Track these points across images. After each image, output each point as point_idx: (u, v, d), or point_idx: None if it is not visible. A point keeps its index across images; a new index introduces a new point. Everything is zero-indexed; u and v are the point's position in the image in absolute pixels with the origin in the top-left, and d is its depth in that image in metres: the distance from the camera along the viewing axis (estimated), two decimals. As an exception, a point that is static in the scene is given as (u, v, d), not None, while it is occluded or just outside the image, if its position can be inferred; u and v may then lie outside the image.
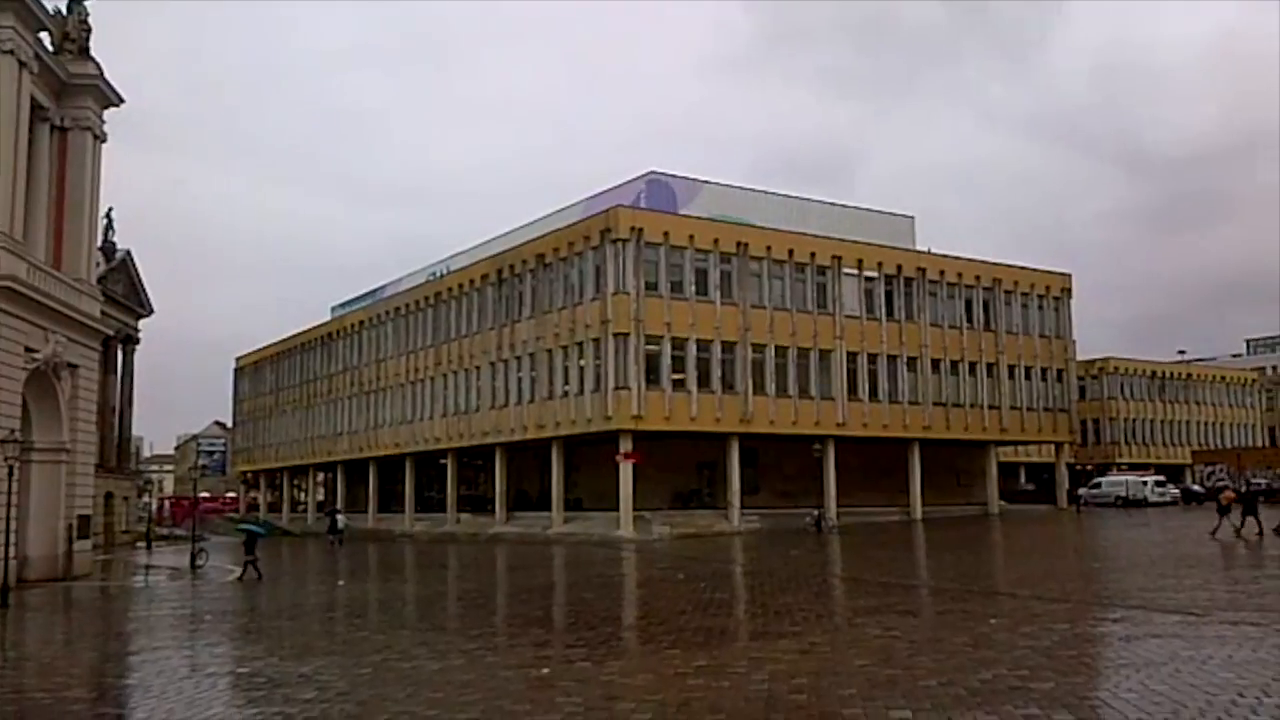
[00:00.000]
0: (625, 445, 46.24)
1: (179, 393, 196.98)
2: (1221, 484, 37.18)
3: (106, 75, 35.07)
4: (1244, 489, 34.11)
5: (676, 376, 47.17)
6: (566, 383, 49.24)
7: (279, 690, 11.33)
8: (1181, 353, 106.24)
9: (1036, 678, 10.67)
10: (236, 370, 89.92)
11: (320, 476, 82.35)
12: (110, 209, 59.26)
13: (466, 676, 12.00)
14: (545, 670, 12.23)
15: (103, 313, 38.76)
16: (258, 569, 30.41)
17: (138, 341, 64.91)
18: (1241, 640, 12.51)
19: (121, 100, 36.08)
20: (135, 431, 71.22)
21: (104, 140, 36.20)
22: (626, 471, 46.09)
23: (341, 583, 29.45)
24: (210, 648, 16.35)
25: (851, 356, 52.48)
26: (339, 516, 56.76)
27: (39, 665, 15.31)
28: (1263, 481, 48.91)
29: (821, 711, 9.36)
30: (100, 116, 35.67)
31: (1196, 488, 73.10)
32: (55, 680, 13.27)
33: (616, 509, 46.14)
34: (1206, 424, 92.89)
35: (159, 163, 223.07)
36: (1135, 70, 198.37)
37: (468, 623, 19.01)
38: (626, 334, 45.82)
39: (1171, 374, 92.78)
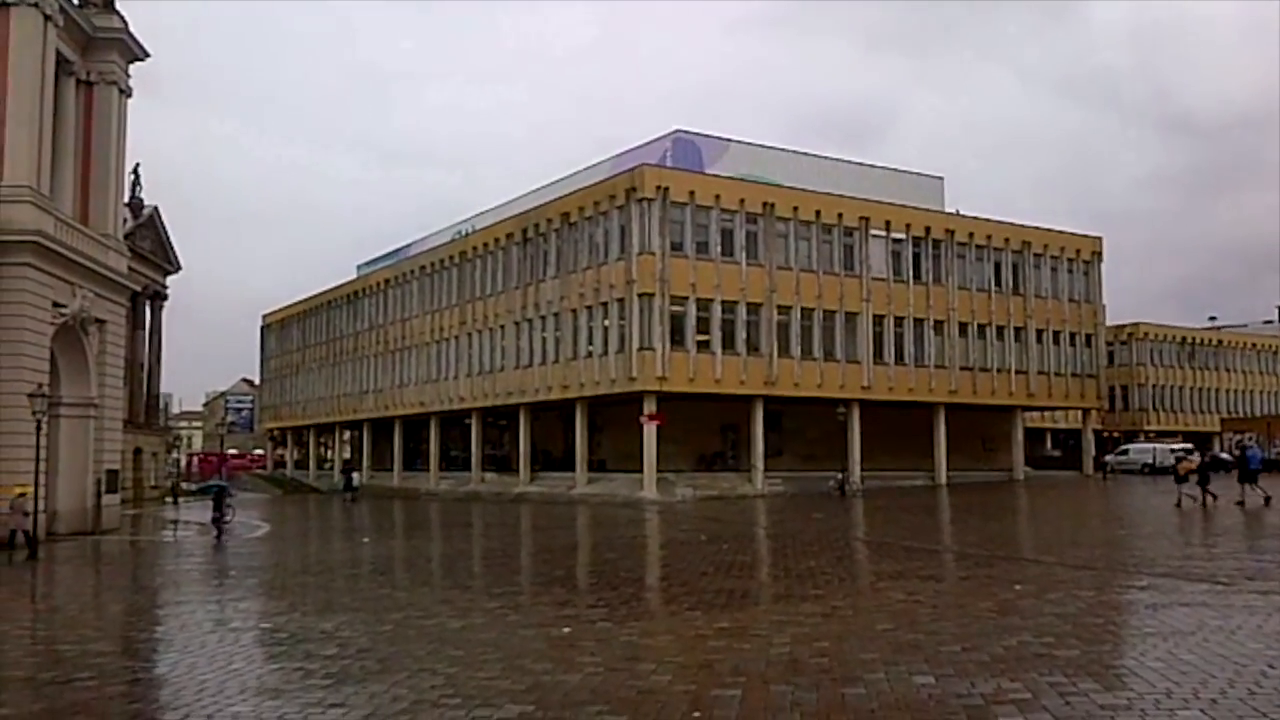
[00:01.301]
0: (649, 407, 46.19)
1: (207, 349, 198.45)
2: (1179, 455, 37.15)
3: (131, 29, 34.96)
4: (1205, 459, 34.07)
5: (701, 338, 46.99)
6: (591, 343, 49.16)
7: (301, 646, 11.36)
8: (1212, 319, 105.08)
9: (1062, 645, 10.54)
10: (263, 328, 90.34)
11: (346, 434, 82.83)
12: (137, 165, 59.49)
13: (488, 635, 11.99)
14: (566, 630, 12.21)
15: (130, 269, 38.94)
16: (220, 526, 30.46)
17: (166, 298, 65.28)
18: (1271, 610, 12.33)
19: (147, 54, 36.00)
20: (164, 388, 71.69)
21: (129, 95, 36.16)
22: (650, 433, 46.07)
23: (366, 540, 29.61)
24: (234, 603, 16.44)
25: (878, 319, 52.11)
26: (354, 475, 58.05)
27: (66, 618, 15.45)
28: (1226, 455, 48.60)
29: (844, 675, 9.27)
30: (126, 71, 35.61)
31: (1225, 456, 72.48)
32: (81, 633, 13.37)
33: (640, 470, 46.18)
34: (1236, 391, 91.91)
35: (186, 119, 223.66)
36: (1175, 32, 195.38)
37: (490, 581, 19.06)
38: (651, 294, 45.63)
39: (1202, 340, 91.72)
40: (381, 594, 16.58)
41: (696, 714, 7.93)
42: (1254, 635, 10.76)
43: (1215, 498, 31.53)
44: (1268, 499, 31.04)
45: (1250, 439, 54.51)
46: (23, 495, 25.19)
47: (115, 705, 9.07)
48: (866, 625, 12.45)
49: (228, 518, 36.49)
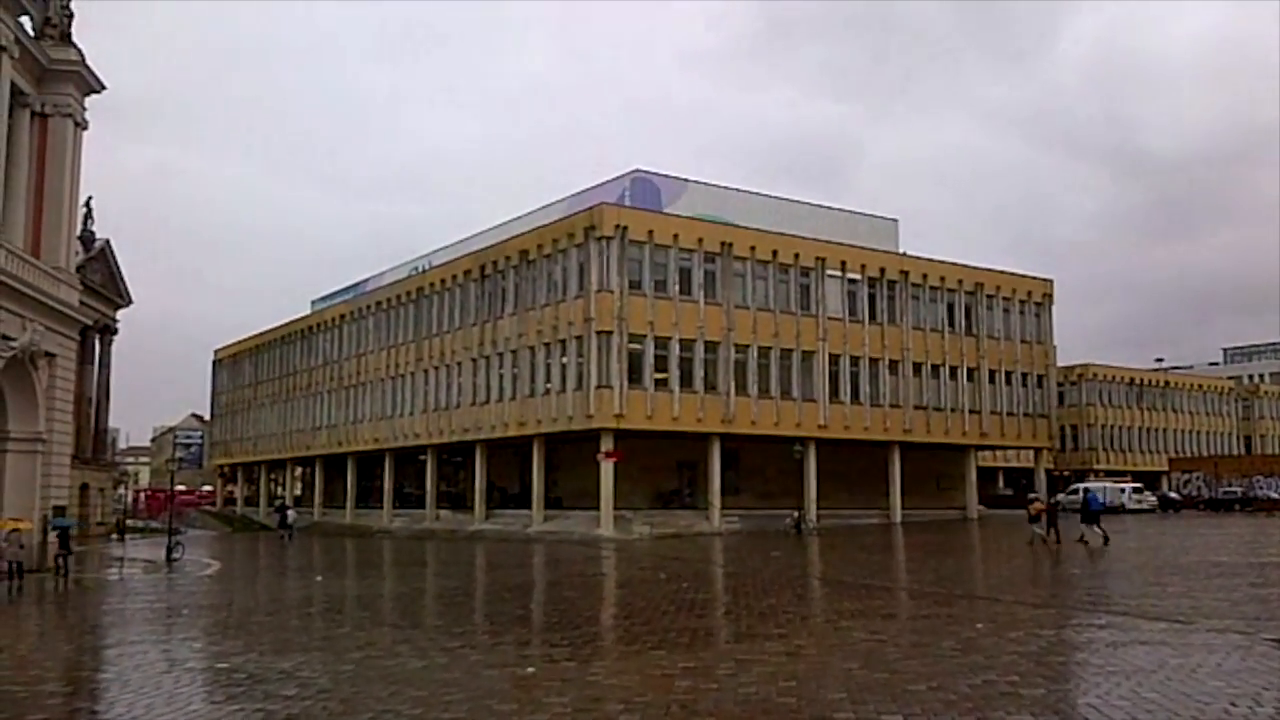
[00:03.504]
0: (606, 444, 46.10)
1: (155, 384, 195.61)
2: (1032, 496, 39.20)
3: (88, 61, 34.68)
4: (1051, 501, 37.45)
5: (659, 376, 47.08)
6: (548, 380, 49.06)
7: (260, 686, 11.15)
8: (1159, 360, 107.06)
9: (1027, 684, 10.60)
10: (215, 362, 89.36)
11: (298, 471, 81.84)
12: (90, 197, 58.75)
13: (450, 675, 11.84)
14: (530, 670, 12.09)
15: (81, 302, 38.36)
16: (65, 564, 29.53)
17: (115, 332, 64.40)
18: (1229, 649, 12.48)
19: (103, 87, 35.73)
20: (111, 423, 70.57)
21: (85, 127, 35.82)
22: (608, 470, 45.96)
23: (319, 578, 29.21)
24: (188, 642, 16.12)
25: (834, 358, 52.52)
26: (289, 511, 57.96)
27: (13, 658, 15.04)
28: (1060, 498, 51.27)
29: (812, 715, 9.26)
30: (81, 103, 35.30)
31: (1174, 495, 73.58)
32: (30, 674, 13.04)
33: (597, 508, 46.01)
34: (1184, 432, 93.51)
35: (140, 151, 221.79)
36: (1132, 72, 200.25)
37: (449, 621, 18.84)
38: (610, 332, 45.69)
39: (1150, 381, 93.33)
40: (339, 633, 16.33)
41: (668, 754, 7.86)
42: (1214, 674, 10.87)
43: (1059, 536, 33.91)
44: (1106, 539, 33.00)
45: (1096, 486, 56.18)
46: (15, 530, 25.60)
47: (70, 748, 8.85)
48: (831, 664, 12.44)
49: (177, 554, 35.98)
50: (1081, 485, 73.29)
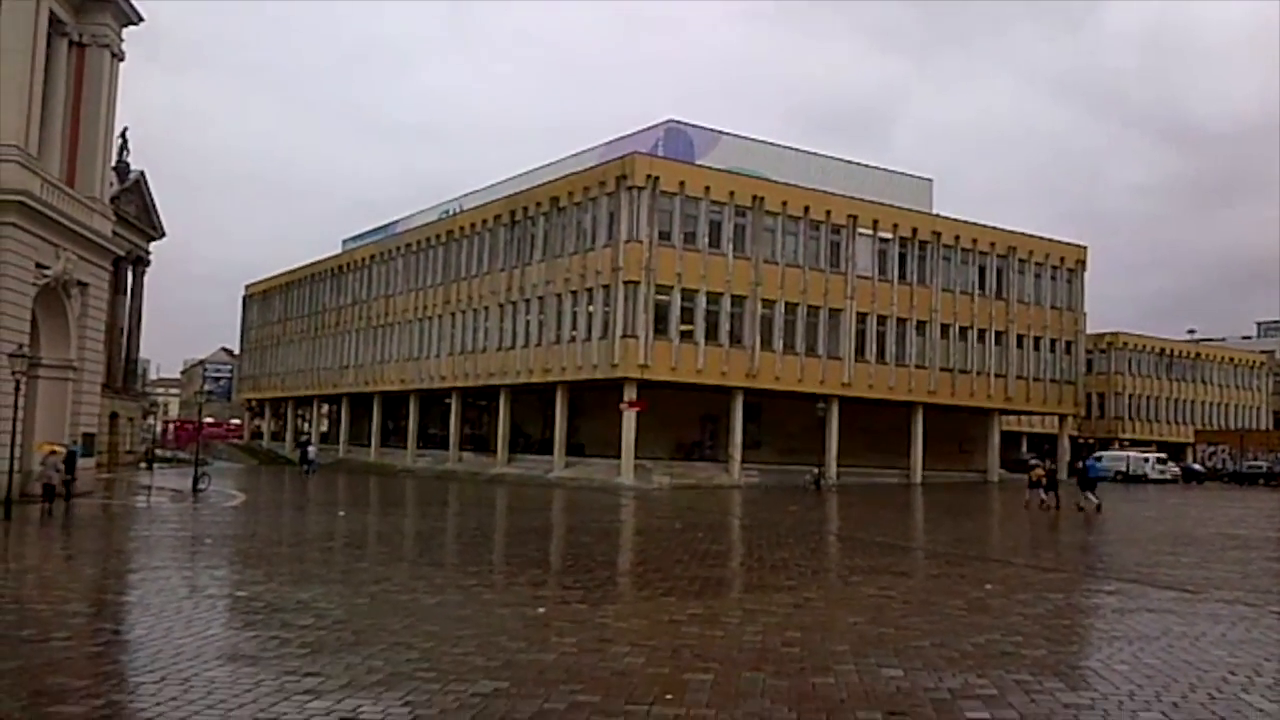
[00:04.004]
0: (630, 393, 46.32)
1: (187, 317, 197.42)
2: (1033, 462, 39.26)
3: (126, -8, 34.67)
4: (1050, 469, 38.12)
5: (685, 328, 47.15)
6: (574, 328, 49.23)
7: (277, 615, 11.42)
8: (1191, 331, 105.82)
9: (1029, 644, 10.72)
10: (245, 298, 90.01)
11: (325, 408, 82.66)
12: (125, 129, 58.85)
13: (463, 612, 12.08)
14: (541, 610, 12.31)
15: (114, 233, 38.67)
16: (68, 489, 29.43)
17: (148, 263, 64.81)
18: (1236, 619, 12.53)
19: (141, 18, 35.73)
20: (142, 354, 71.28)
21: (122, 59, 35.86)
22: (630, 420, 46.21)
23: (342, 513, 29.65)
24: (209, 570, 16.47)
25: (861, 317, 52.39)
26: (310, 448, 58.61)
27: (39, 578, 15.44)
28: (1049, 462, 51.74)
29: (813, 665, 9.40)
30: (119, 34, 35.30)
31: (1198, 466, 73.27)
32: (55, 594, 13.40)
33: (618, 456, 46.34)
34: (1212, 404, 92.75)
35: (177, 84, 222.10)
36: (1183, 41, 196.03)
37: (466, 560, 19.14)
38: (637, 282, 45.73)
39: (1180, 352, 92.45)
40: (358, 567, 16.64)
41: (669, 696, 8.04)
42: (1218, 643, 10.94)
43: (1059, 500, 34.68)
44: (1099, 506, 33.60)
45: (1099, 454, 55.71)
46: (54, 453, 26.87)
47: (91, 665, 9.12)
48: (837, 618, 12.60)
49: (203, 485, 36.55)
50: (1098, 454, 73.18)
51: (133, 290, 62.96)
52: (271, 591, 13.25)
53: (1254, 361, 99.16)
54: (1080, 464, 37.32)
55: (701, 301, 47.57)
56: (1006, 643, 10.75)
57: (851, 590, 15.40)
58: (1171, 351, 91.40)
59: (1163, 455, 71.92)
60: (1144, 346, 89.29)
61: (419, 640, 10.12)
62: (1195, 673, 9.35)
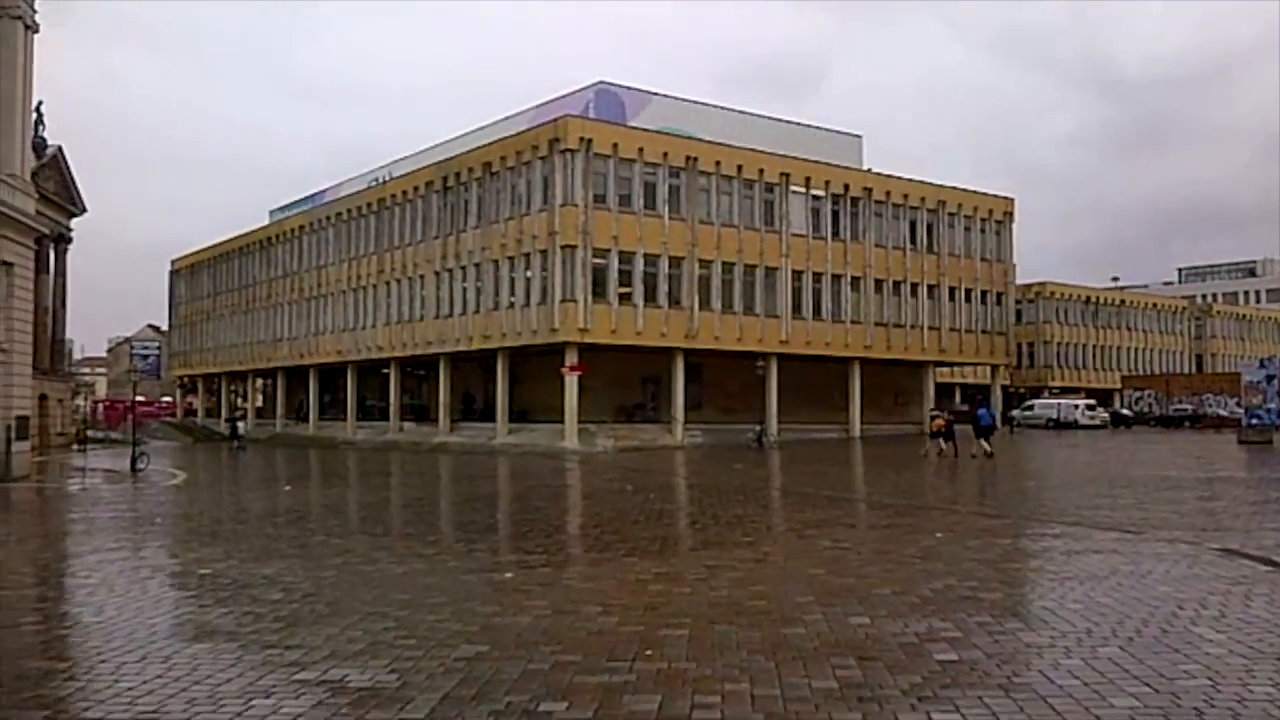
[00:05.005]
0: (571, 358, 46.43)
1: (110, 295, 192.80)
2: (934, 413, 40.79)
3: (40, -38, 33.65)
4: (949, 418, 39.16)
5: (623, 290, 47.28)
6: (513, 294, 49.13)
7: (245, 591, 11.42)
8: (1115, 279, 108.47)
9: (985, 588, 11.10)
10: (172, 273, 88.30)
11: (260, 383, 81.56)
12: (40, 103, 57.13)
13: (430, 580, 12.18)
14: (509, 575, 12.46)
15: (36, 211, 37.70)
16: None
17: (70, 241, 63.27)
18: (1178, 557, 13.06)
19: (56, -12, 34.70)
20: (67, 334, 69.66)
21: (35, 30, 34.85)
22: (571, 384, 46.35)
23: (288, 488, 29.46)
24: (166, 549, 16.38)
25: (796, 275, 52.92)
26: (239, 423, 58.41)
27: (-8, 564, 15.22)
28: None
29: (783, 616, 9.67)
30: (31, 5, 34.29)
31: (1125, 412, 75.33)
32: (13, 579, 13.22)
33: (561, 421, 46.49)
34: (1137, 350, 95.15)
35: (91, 53, 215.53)
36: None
37: (423, 529, 19.21)
38: (574, 246, 45.72)
39: (1105, 300, 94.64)
40: (315, 541, 16.63)
41: (649, 652, 8.24)
42: (1163, 579, 11.42)
43: (957, 449, 36.54)
44: (990, 454, 35.22)
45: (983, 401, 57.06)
46: None
47: (68, 648, 9.11)
48: (798, 570, 12.90)
49: (141, 465, 36.02)
50: (1029, 401, 74.85)
51: (56, 268, 61.49)
52: (234, 568, 13.21)
53: (1176, 307, 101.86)
54: (975, 414, 38.64)
55: (639, 264, 47.70)
56: (963, 587, 11.12)
57: (807, 543, 15.74)
58: (1097, 300, 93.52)
59: (1092, 402, 73.78)
60: (1070, 295, 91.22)
61: (392, 609, 10.21)
62: (1145, 609, 9.77)
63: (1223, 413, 67.45)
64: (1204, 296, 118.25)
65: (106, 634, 9.29)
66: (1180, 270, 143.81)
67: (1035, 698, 6.87)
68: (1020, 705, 6.71)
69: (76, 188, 62.74)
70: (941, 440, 36.80)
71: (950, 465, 33.21)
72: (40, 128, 56.79)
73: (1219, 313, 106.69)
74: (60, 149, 60.18)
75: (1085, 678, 7.32)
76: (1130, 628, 8.97)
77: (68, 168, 61.44)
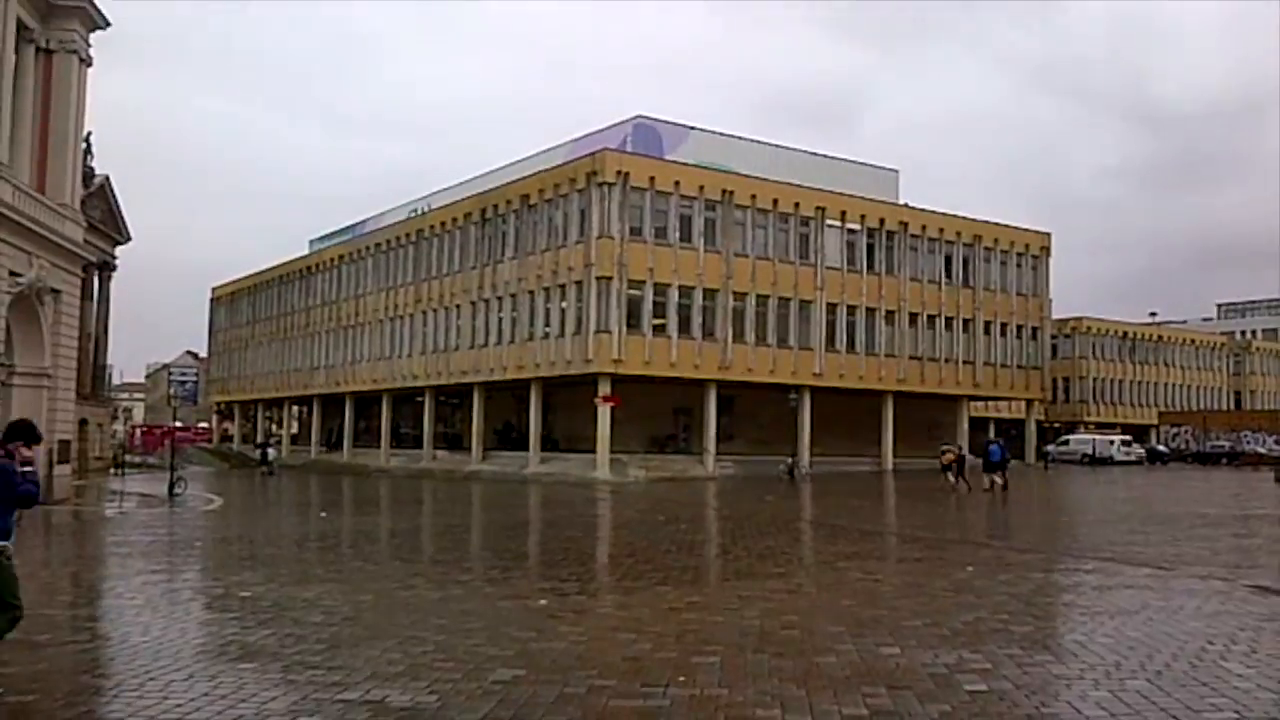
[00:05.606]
0: (604, 388, 46.69)
1: (149, 322, 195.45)
2: (945, 447, 40.49)
3: (94, -3, 34.57)
4: (960, 453, 40.00)
5: (657, 322, 47.56)
6: (547, 324, 49.52)
7: (286, 614, 11.66)
8: (1153, 314, 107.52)
9: (1016, 621, 11.16)
10: (213, 300, 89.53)
11: (295, 410, 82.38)
12: (90, 133, 58.44)
13: (467, 606, 12.39)
14: (543, 602, 12.63)
15: (84, 239, 38.50)
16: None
17: (115, 268, 64.44)
18: (1210, 593, 13.06)
19: (108, 23, 35.63)
20: (108, 359, 70.76)
21: (89, 64, 35.74)
22: (604, 414, 46.57)
23: (324, 514, 29.81)
24: (206, 572, 16.69)
25: (831, 308, 53.01)
26: (270, 450, 59.06)
27: (40, 584, 15.53)
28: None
29: (814, 646, 9.80)
30: (86, 40, 35.17)
31: (1162, 448, 74.63)
32: (60, 599, 13.56)
33: (593, 451, 46.67)
34: (1174, 385, 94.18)
35: (138, 82, 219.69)
36: (1148, 23, 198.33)
37: (458, 556, 19.44)
38: (609, 278, 46.07)
39: (1142, 335, 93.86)
40: (353, 566, 16.89)
41: (682, 678, 8.40)
42: (1194, 615, 11.45)
43: (969, 484, 36.75)
44: (1006, 485, 35.87)
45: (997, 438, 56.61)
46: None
47: (117, 665, 9.36)
48: (830, 601, 13.02)
49: (179, 489, 36.54)
50: (1064, 437, 74.30)
51: (100, 295, 62.60)
52: (274, 591, 13.48)
53: (1214, 343, 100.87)
54: (986, 448, 38.73)
55: (674, 295, 47.99)
56: (994, 620, 11.20)
57: (839, 575, 15.83)
58: (1134, 335, 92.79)
59: (1127, 437, 73.18)
60: (1107, 331, 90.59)
61: (430, 634, 10.41)
62: (1175, 644, 9.82)
63: (1260, 450, 66.81)
64: (1243, 333, 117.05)
65: (153, 653, 9.55)
66: (1219, 306, 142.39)
67: (1063, 728, 6.98)
68: (1047, 735, 6.82)
69: (122, 216, 63.98)
70: (952, 474, 37.27)
71: (959, 498, 33.76)
72: (89, 157, 58.03)
73: (1258, 349, 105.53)
74: (107, 178, 61.42)
75: (1112, 709, 7.41)
76: (1159, 662, 9.03)
77: (114, 196, 62.69)
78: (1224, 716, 7.24)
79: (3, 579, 8.29)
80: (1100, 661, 9.06)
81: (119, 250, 64.97)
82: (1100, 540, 20.80)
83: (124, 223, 64.28)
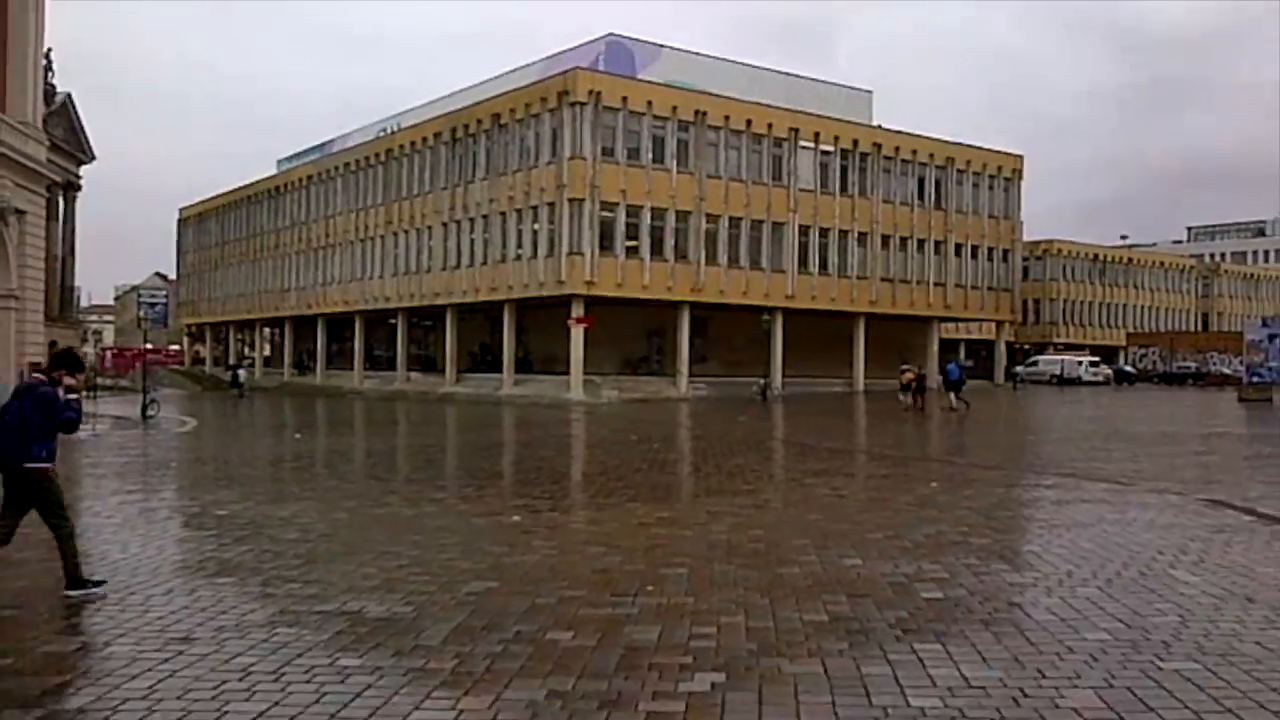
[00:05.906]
0: (577, 310, 46.76)
1: (116, 243, 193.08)
2: (904, 367, 41.01)
3: (50, -92, 33.65)
4: (920, 373, 40.21)
5: (630, 244, 47.53)
6: (520, 246, 49.40)
7: (263, 531, 11.85)
8: (1124, 237, 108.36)
9: (975, 534, 11.51)
10: (180, 221, 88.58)
11: (267, 332, 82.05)
12: (50, 49, 57.19)
13: (441, 522, 12.63)
14: (516, 518, 12.88)
15: (46, 158, 37.95)
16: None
17: (79, 188, 63.55)
18: (1163, 507, 13.47)
19: (67, -64, 34.75)
20: (76, 281, 70.09)
21: (47, -23, 34.93)
22: (577, 336, 46.73)
23: (298, 435, 29.96)
24: (182, 492, 16.85)
25: (804, 230, 53.08)
26: (240, 371, 59.14)
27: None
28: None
29: (779, 558, 10.09)
30: (43, -48, 34.36)
31: (1129, 369, 75.67)
32: (36, 518, 13.65)
33: (567, 372, 46.92)
34: (1143, 307, 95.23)
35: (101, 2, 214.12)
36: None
37: (432, 475, 19.66)
38: (582, 199, 45.90)
39: (1112, 258, 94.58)
40: (328, 485, 17.10)
41: (650, 588, 8.67)
42: (1147, 527, 11.84)
43: (924, 403, 37.91)
44: (967, 404, 36.51)
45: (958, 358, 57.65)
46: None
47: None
48: (796, 516, 13.34)
49: (152, 412, 36.54)
50: (1033, 358, 75.12)
51: (65, 216, 61.84)
52: (250, 510, 13.66)
53: (1183, 265, 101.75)
54: (944, 369, 39.42)
55: (646, 217, 47.90)
56: (954, 533, 11.54)
57: (806, 491, 16.17)
58: (1104, 257, 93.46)
59: (1095, 358, 74.13)
60: (1077, 253, 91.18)
61: (405, 549, 10.63)
62: (1127, 554, 10.18)
63: (1226, 371, 67.85)
64: (1212, 255, 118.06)
65: (132, 569, 9.74)
66: (1189, 229, 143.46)
67: (1013, 631, 7.29)
68: (998, 637, 7.13)
69: (85, 135, 62.92)
70: (910, 394, 37.88)
71: (919, 417, 34.61)
72: (49, 74, 56.83)
73: (1226, 272, 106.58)
74: (69, 96, 60.31)
75: (1062, 614, 7.73)
76: (1110, 570, 9.38)
77: (77, 115, 61.59)
78: (1168, 620, 7.56)
79: (54, 495, 9.28)
80: (1054, 570, 9.40)
81: (84, 170, 64.04)
82: (1063, 457, 21.26)
83: (88, 141, 63.25)
